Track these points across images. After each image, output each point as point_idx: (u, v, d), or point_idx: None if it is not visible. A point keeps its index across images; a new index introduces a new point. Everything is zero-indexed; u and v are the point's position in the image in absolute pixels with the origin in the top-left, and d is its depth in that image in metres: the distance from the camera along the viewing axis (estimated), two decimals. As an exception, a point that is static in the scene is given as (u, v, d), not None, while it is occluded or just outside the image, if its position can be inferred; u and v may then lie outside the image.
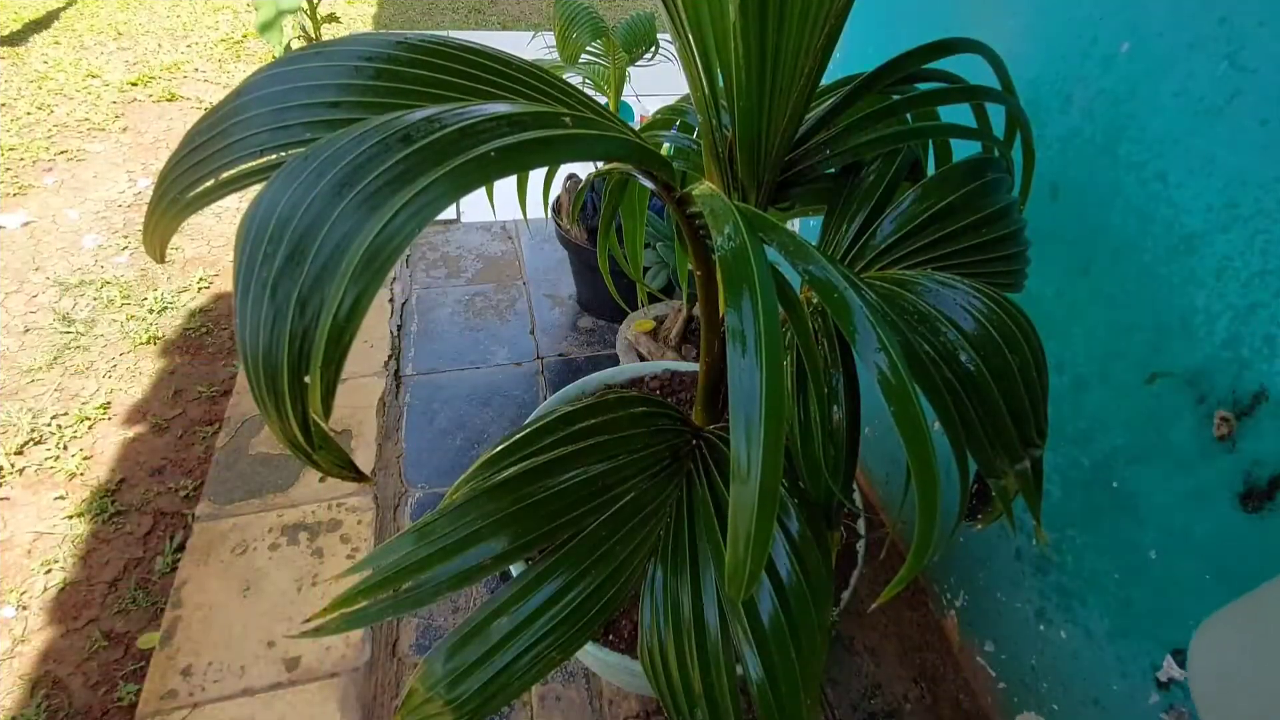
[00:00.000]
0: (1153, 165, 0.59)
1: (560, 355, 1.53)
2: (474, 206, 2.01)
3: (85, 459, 1.28)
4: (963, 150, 0.55)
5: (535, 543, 0.47)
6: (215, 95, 2.67)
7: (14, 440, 1.30)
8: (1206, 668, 0.46)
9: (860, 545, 0.76)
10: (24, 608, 1.06)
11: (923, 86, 0.53)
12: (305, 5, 2.33)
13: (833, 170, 0.53)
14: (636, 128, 0.47)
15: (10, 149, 2.18)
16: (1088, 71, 0.64)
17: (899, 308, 0.44)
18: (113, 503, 1.22)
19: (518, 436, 0.52)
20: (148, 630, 1.04)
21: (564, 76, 0.43)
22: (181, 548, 1.12)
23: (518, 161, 0.26)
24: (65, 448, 1.30)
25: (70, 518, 1.19)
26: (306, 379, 0.23)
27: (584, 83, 1.36)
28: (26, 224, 1.89)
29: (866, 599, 1.06)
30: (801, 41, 0.39)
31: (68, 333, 1.56)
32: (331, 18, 2.55)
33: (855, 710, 0.95)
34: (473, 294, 1.69)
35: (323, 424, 0.25)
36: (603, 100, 1.34)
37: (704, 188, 0.38)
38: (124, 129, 2.39)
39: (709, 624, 0.49)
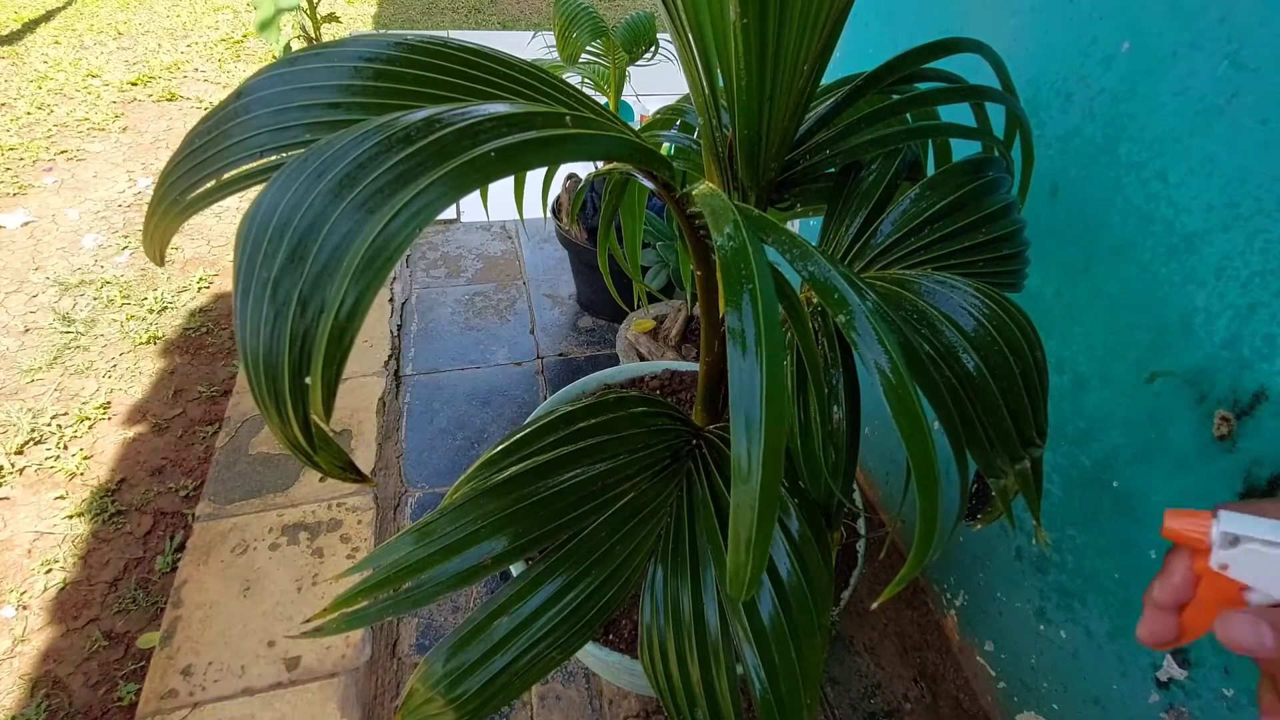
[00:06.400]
0: (1153, 164, 0.59)
1: (560, 355, 1.53)
2: (474, 206, 2.01)
3: (85, 459, 1.29)
4: (963, 150, 0.55)
5: (535, 543, 0.47)
6: (215, 95, 2.67)
7: (14, 440, 1.30)
8: None
9: (860, 545, 0.77)
10: (24, 608, 1.07)
11: (923, 86, 0.53)
12: (304, 5, 2.33)
13: (833, 170, 0.53)
14: (636, 128, 0.47)
15: (10, 149, 2.18)
16: (1088, 71, 0.64)
17: (899, 307, 0.44)
18: (113, 503, 1.22)
19: (518, 436, 0.52)
20: (148, 630, 1.05)
21: (564, 76, 0.43)
22: (181, 547, 1.12)
23: (518, 161, 0.26)
24: (65, 447, 1.30)
25: (70, 517, 1.19)
26: (307, 380, 0.23)
27: (584, 83, 1.36)
28: (26, 224, 1.89)
29: (866, 599, 1.06)
30: (802, 41, 0.39)
31: (68, 333, 1.56)
32: (331, 18, 2.55)
33: (855, 710, 0.95)
34: (473, 293, 1.69)
35: (323, 425, 0.25)
36: (603, 100, 1.34)
37: (704, 187, 0.38)
38: (124, 129, 2.39)
39: (709, 623, 0.49)
